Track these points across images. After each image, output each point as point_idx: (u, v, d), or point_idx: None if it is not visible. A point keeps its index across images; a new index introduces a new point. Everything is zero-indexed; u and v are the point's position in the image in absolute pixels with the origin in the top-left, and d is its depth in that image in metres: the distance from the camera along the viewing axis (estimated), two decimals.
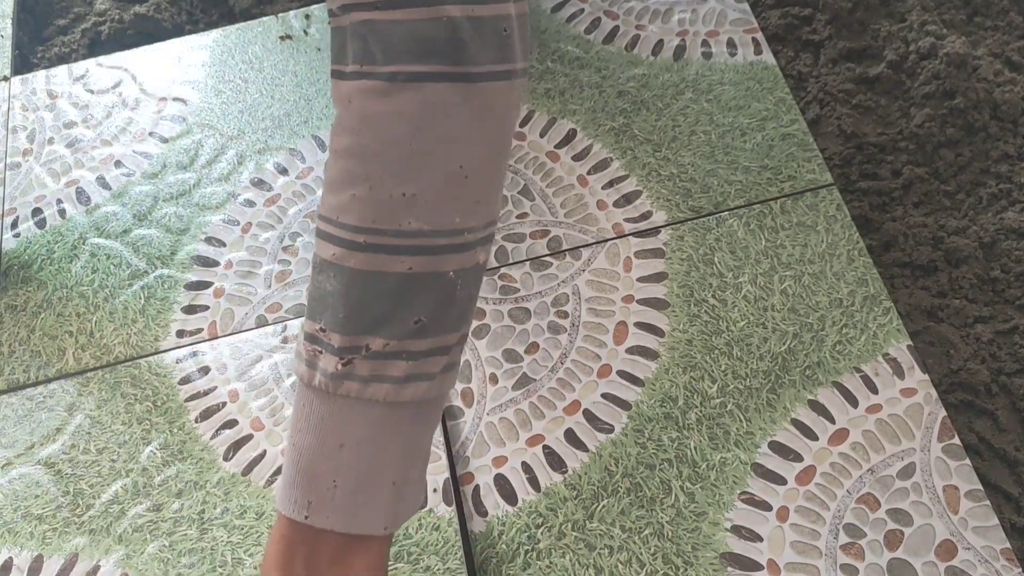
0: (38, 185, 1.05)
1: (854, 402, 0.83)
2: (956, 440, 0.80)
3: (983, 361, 0.83)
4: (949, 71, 0.96)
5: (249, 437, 0.86)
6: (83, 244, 1.00)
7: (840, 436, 0.81)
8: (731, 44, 1.05)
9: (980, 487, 0.78)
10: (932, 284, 0.87)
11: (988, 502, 0.77)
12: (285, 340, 0.91)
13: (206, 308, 0.95)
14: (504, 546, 0.80)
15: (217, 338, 0.93)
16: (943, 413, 0.81)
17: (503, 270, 0.93)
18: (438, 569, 0.78)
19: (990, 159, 0.93)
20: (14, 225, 1.02)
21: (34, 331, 0.95)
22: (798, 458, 0.81)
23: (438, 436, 0.85)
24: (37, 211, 1.03)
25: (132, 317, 0.95)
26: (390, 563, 0.78)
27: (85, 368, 0.92)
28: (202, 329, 0.93)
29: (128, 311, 0.95)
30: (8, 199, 1.04)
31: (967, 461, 0.79)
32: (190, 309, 0.95)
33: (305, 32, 1.13)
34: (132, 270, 0.98)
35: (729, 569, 0.77)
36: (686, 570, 0.77)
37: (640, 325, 0.89)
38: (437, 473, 0.83)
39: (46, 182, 1.05)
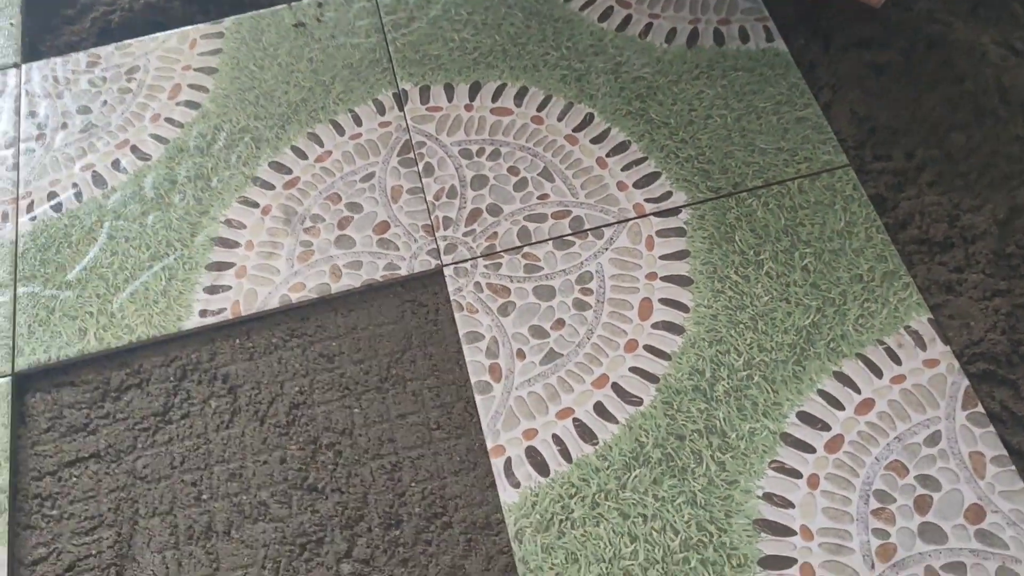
0: (53, 169, 1.04)
1: (879, 373, 0.84)
2: (980, 408, 0.82)
3: (1003, 332, 0.85)
4: (958, 57, 0.99)
5: None
6: (101, 227, 1.00)
7: (866, 406, 0.83)
8: (743, 32, 1.07)
9: (1005, 453, 0.79)
10: (949, 260, 0.89)
11: (1013, 467, 0.79)
12: None
13: (228, 288, 0.94)
14: (538, 516, 0.80)
15: (241, 317, 0.92)
16: (966, 383, 0.83)
17: (526, 249, 0.94)
18: None
19: (1000, 141, 0.95)
20: (30, 209, 1.02)
21: (53, 311, 0.94)
22: (826, 427, 0.82)
23: (471, 411, 0.86)
24: (53, 195, 1.02)
25: (153, 298, 0.94)
26: None
27: (108, 348, 0.91)
28: (225, 308, 0.93)
29: (149, 292, 0.95)
30: (23, 183, 1.03)
31: (991, 428, 0.81)
32: (212, 289, 0.94)
33: (319, 20, 1.13)
34: (152, 252, 0.97)
35: (763, 535, 0.78)
36: (720, 536, 0.78)
37: (665, 301, 0.90)
38: None
39: (61, 166, 1.04)
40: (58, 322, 0.94)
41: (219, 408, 0.88)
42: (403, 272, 0.94)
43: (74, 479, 0.85)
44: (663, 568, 0.77)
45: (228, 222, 0.99)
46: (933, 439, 0.81)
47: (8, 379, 0.90)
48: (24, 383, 0.91)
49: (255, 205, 1.00)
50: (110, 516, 0.83)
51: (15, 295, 0.96)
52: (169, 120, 1.07)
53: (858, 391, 0.84)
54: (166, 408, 0.89)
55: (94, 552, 0.81)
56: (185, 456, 0.86)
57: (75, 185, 1.03)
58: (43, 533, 0.83)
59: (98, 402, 0.89)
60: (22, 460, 0.87)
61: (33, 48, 1.17)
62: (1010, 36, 1.03)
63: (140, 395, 0.89)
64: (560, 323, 0.90)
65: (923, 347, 0.85)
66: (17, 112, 1.10)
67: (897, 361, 0.85)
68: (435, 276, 0.94)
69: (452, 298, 0.92)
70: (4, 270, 0.97)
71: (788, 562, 0.76)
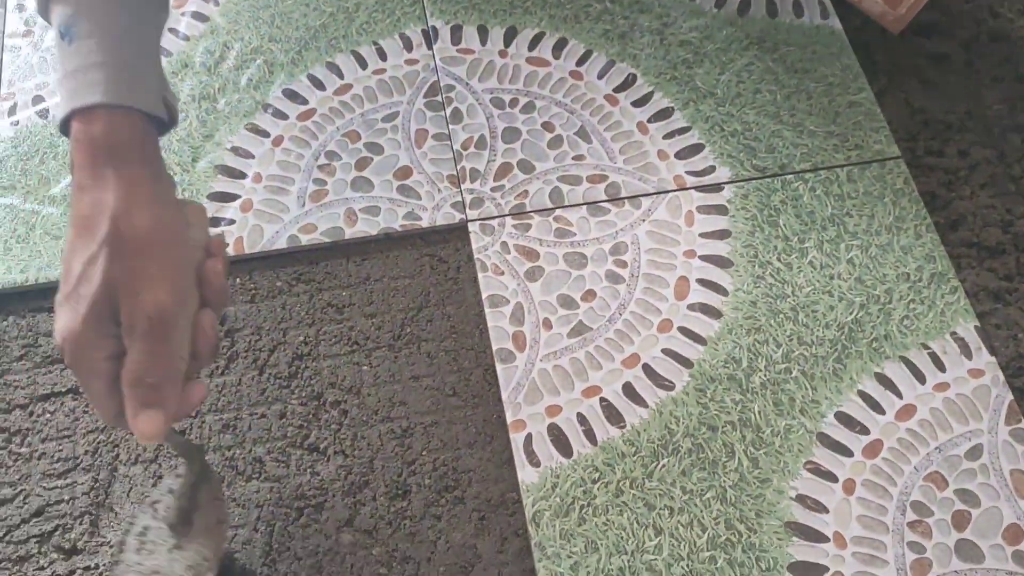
0: (41, 71, 0.94)
1: (921, 378, 0.80)
2: (1023, 425, 0.78)
3: None
4: (1022, 54, 0.94)
5: None
6: None
7: (907, 412, 0.79)
8: (797, 5, 1.01)
9: None
10: (1000, 266, 0.85)
11: None
12: None
13: (231, 222, 0.86)
14: (558, 499, 0.74)
15: (243, 255, 0.85)
16: (1010, 397, 0.79)
17: (558, 212, 0.88)
18: None
19: None
20: (12, 112, 0.92)
21: (34, 228, 0.85)
22: (864, 431, 0.78)
23: (490, 380, 0.80)
24: (39, 99, 0.93)
25: None
26: None
27: None
28: (227, 244, 0.85)
29: None
30: (6, 83, 0.93)
31: None
32: (213, 221, 0.86)
33: None
34: None
35: (794, 539, 0.73)
36: (749, 537, 0.73)
37: (702, 282, 0.85)
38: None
39: (50, 68, 0.95)
40: (39, 240, 0.85)
41: None
42: (424, 223, 0.87)
43: (48, 415, 0.77)
44: (688, 566, 0.72)
45: (234, 150, 0.90)
46: (974, 452, 0.77)
47: None
48: None
49: (265, 134, 0.91)
50: (87, 460, 0.76)
51: None
52: (173, 31, 0.98)
53: (900, 395, 0.79)
54: None
55: (67, 498, 0.74)
56: None
57: None
58: (9, 472, 0.75)
59: None
60: None
61: None
62: None
63: None
64: (591, 294, 0.84)
65: (968, 355, 0.81)
66: (2, 4, 0.99)
67: (941, 368, 0.81)
68: (459, 231, 0.87)
69: (476, 256, 0.85)
70: None
71: (819, 570, 0.72)
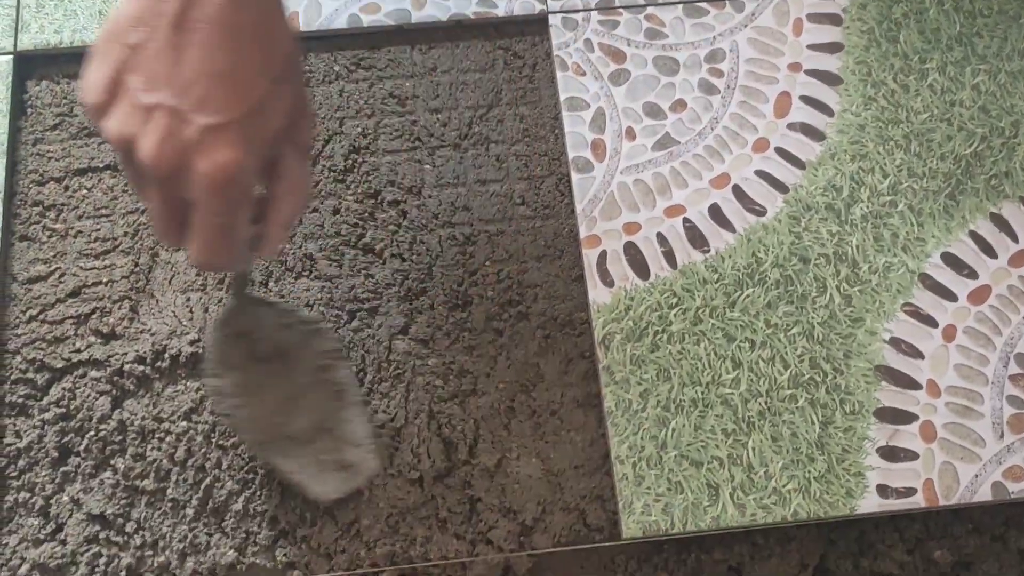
0: None
1: None
2: None
3: None
4: None
5: None
6: None
7: (1022, 258, 0.71)
8: None
9: None
10: None
11: None
12: None
13: None
14: (631, 323, 0.69)
15: (298, 32, 0.76)
16: None
17: (650, 9, 0.78)
18: None
19: None
20: None
21: None
22: (973, 275, 0.71)
23: (564, 190, 0.72)
24: None
25: None
26: None
27: None
28: None
29: None
30: None
31: None
32: None
33: None
34: None
35: (883, 383, 0.68)
36: (835, 377, 0.68)
37: (806, 99, 0.76)
38: None
39: None
40: None
41: None
42: (500, 12, 0.77)
43: (84, 191, 0.71)
44: (766, 403, 0.67)
45: None
46: None
47: (9, 58, 0.74)
48: (27, 66, 0.75)
49: None
50: (126, 241, 0.70)
51: None
52: None
53: (1016, 239, 0.72)
54: None
55: (105, 280, 0.69)
56: None
57: None
58: (44, 248, 0.70)
59: None
60: (21, 158, 0.72)
61: None
62: None
63: None
64: (681, 104, 0.75)
65: None
66: None
67: None
68: (538, 24, 0.78)
69: (555, 53, 0.76)
70: None
71: (908, 417, 0.67)
